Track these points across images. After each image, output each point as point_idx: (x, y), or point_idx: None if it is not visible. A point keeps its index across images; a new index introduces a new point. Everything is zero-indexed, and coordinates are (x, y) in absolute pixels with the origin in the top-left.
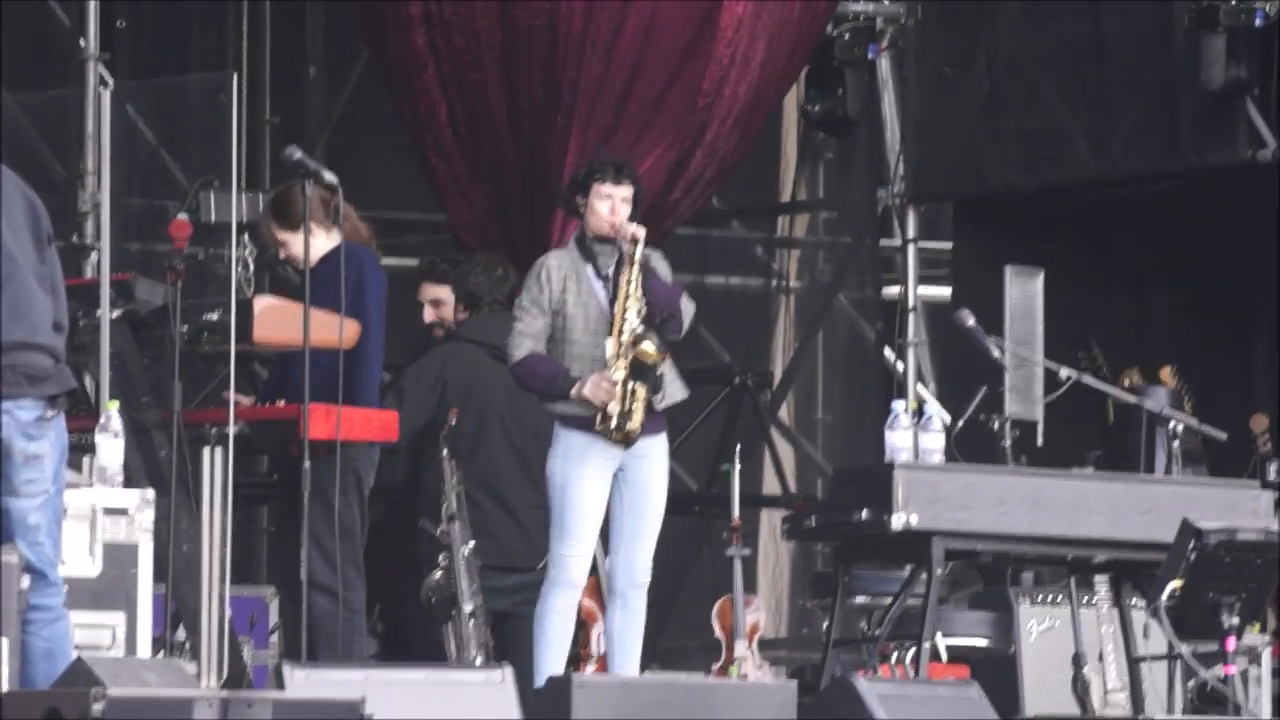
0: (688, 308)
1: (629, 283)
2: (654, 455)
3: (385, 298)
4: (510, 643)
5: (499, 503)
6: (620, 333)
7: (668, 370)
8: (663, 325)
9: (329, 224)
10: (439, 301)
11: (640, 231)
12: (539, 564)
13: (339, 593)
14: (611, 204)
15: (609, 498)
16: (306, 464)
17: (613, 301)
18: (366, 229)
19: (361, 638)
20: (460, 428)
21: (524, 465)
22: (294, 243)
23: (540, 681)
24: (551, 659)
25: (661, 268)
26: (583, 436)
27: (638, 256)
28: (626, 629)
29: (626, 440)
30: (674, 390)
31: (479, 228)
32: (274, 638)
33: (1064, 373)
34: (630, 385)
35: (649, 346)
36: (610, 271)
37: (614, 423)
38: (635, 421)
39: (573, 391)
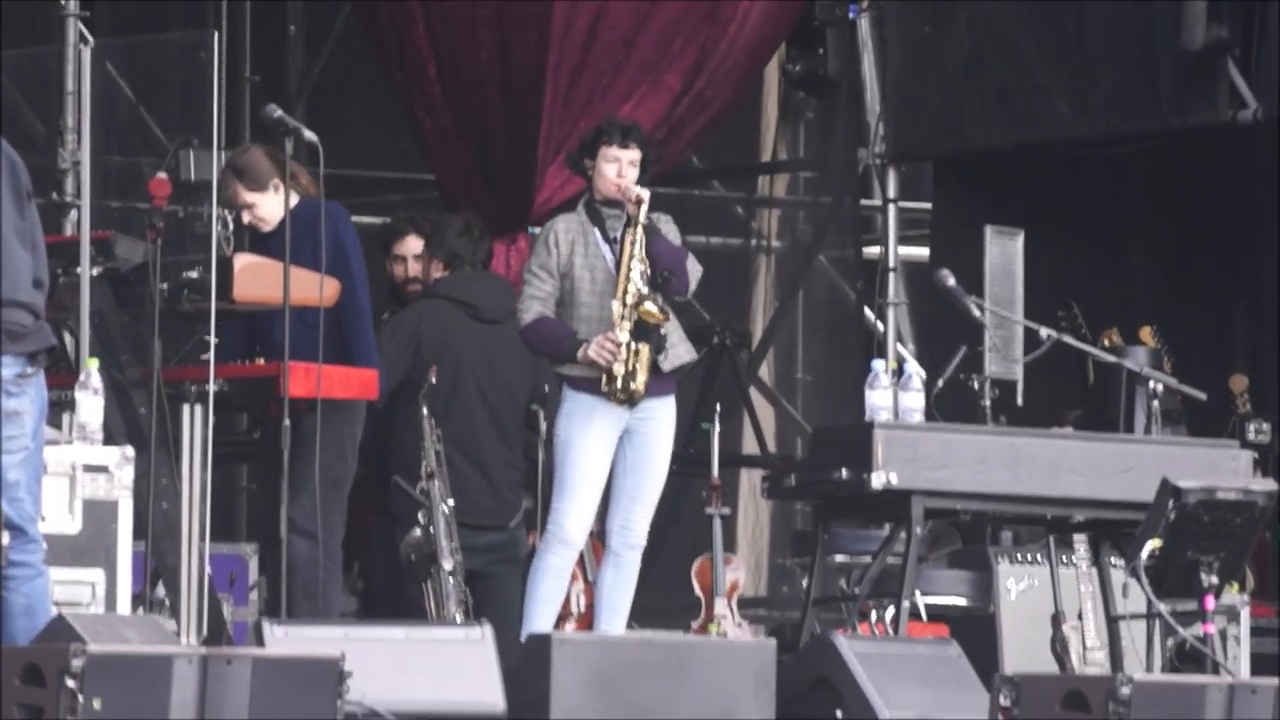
0: (694, 269)
1: (633, 244)
2: (660, 417)
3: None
4: (483, 602)
5: (472, 461)
6: (625, 294)
7: (673, 331)
8: (665, 286)
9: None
10: (418, 256)
11: (645, 194)
12: (510, 522)
13: (319, 539)
14: (619, 167)
15: (614, 457)
16: (286, 422)
17: (619, 264)
18: (308, 180)
19: (337, 586)
20: (436, 385)
21: (498, 424)
22: (262, 203)
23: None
24: (541, 615)
25: (669, 230)
26: (589, 398)
27: (642, 218)
28: (617, 588)
29: (630, 401)
30: (680, 351)
31: (464, 181)
32: (254, 595)
33: (1044, 332)
34: (634, 346)
35: (652, 307)
36: (618, 234)
37: (618, 384)
38: (639, 382)
39: (579, 353)
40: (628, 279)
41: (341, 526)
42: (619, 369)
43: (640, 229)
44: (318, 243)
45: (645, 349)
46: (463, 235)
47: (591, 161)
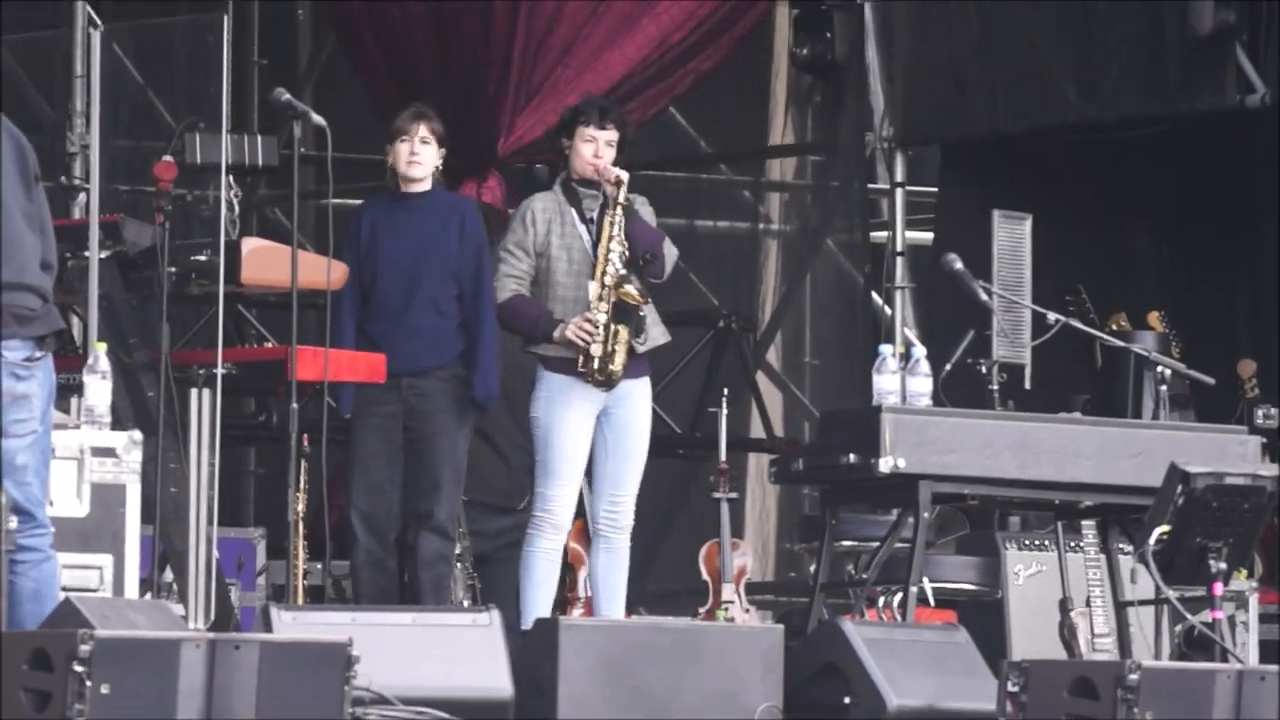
0: (670, 252)
1: (611, 225)
2: (637, 398)
3: None
4: (490, 585)
5: (486, 440)
6: (603, 275)
7: (649, 313)
8: (645, 268)
9: None
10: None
11: (623, 175)
12: (520, 504)
13: (453, 536)
14: (595, 147)
15: (592, 441)
16: (294, 405)
17: (596, 244)
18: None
19: (456, 583)
20: None
21: (510, 406)
22: (428, 153)
23: (528, 624)
24: (539, 601)
25: (645, 212)
26: (565, 379)
27: (620, 199)
28: (611, 572)
29: (609, 382)
30: (655, 334)
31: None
32: (261, 579)
33: (1051, 317)
34: (613, 328)
35: (631, 289)
36: (595, 215)
37: (596, 364)
38: (617, 364)
39: (555, 333)
40: (607, 260)
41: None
42: (597, 350)
43: (620, 210)
44: (461, 229)
45: (624, 330)
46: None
47: (569, 141)
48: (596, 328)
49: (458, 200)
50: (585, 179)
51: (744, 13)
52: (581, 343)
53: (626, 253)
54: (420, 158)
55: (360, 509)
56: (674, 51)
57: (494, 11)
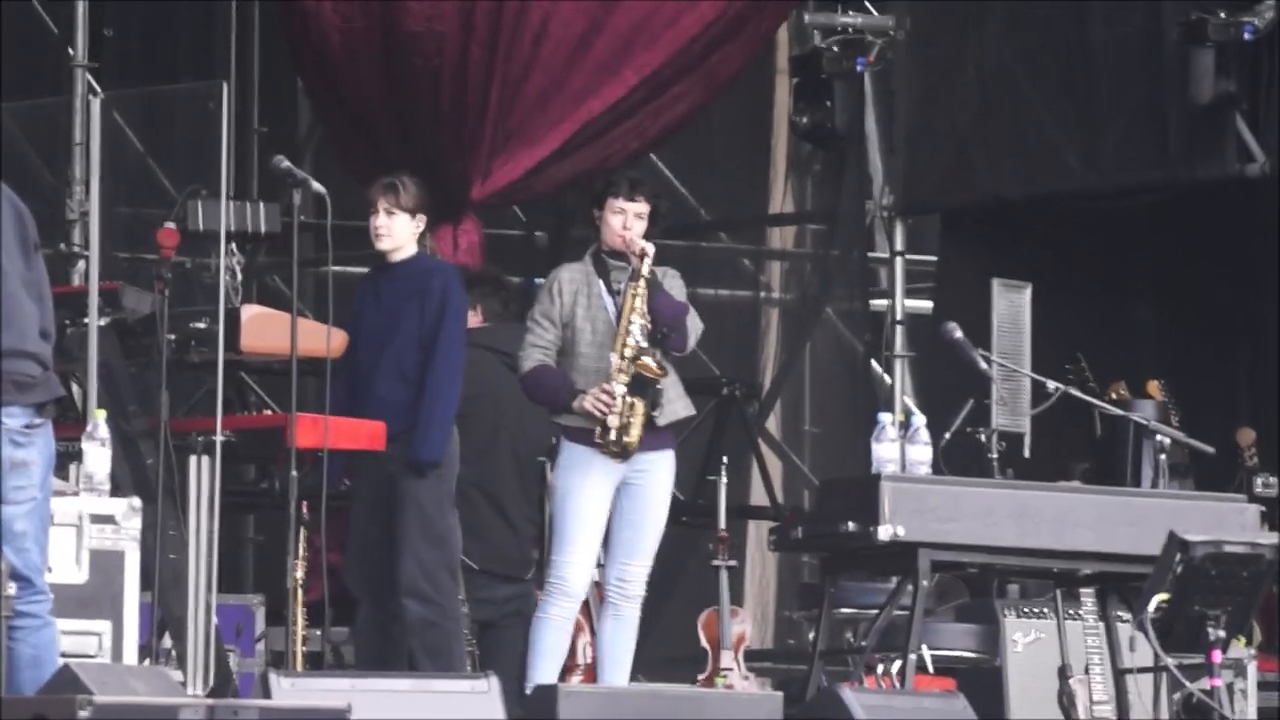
0: (694, 325)
1: (634, 297)
2: (658, 470)
3: None
4: (493, 652)
5: (496, 508)
6: (623, 347)
7: (671, 387)
8: (665, 341)
9: None
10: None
11: (649, 248)
12: (528, 574)
13: (433, 599)
14: (625, 219)
15: (611, 508)
16: (293, 473)
17: (619, 316)
18: (433, 244)
19: (459, 643)
20: (470, 430)
21: (522, 477)
22: (398, 224)
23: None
24: (545, 668)
25: (674, 285)
26: (585, 449)
27: (645, 271)
28: (618, 641)
29: (624, 454)
30: (678, 407)
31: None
32: (260, 645)
33: (1051, 385)
34: (630, 400)
35: (649, 361)
36: (621, 286)
37: (612, 436)
38: (633, 435)
39: (575, 404)
40: (627, 332)
41: (453, 582)
42: (613, 421)
43: (643, 282)
44: (425, 297)
45: (640, 403)
46: (502, 289)
47: (599, 212)
48: (614, 399)
49: (434, 266)
50: (615, 250)
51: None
52: (599, 414)
53: (649, 325)
54: (384, 230)
55: (356, 574)
56: (650, 91)
57: (469, 60)
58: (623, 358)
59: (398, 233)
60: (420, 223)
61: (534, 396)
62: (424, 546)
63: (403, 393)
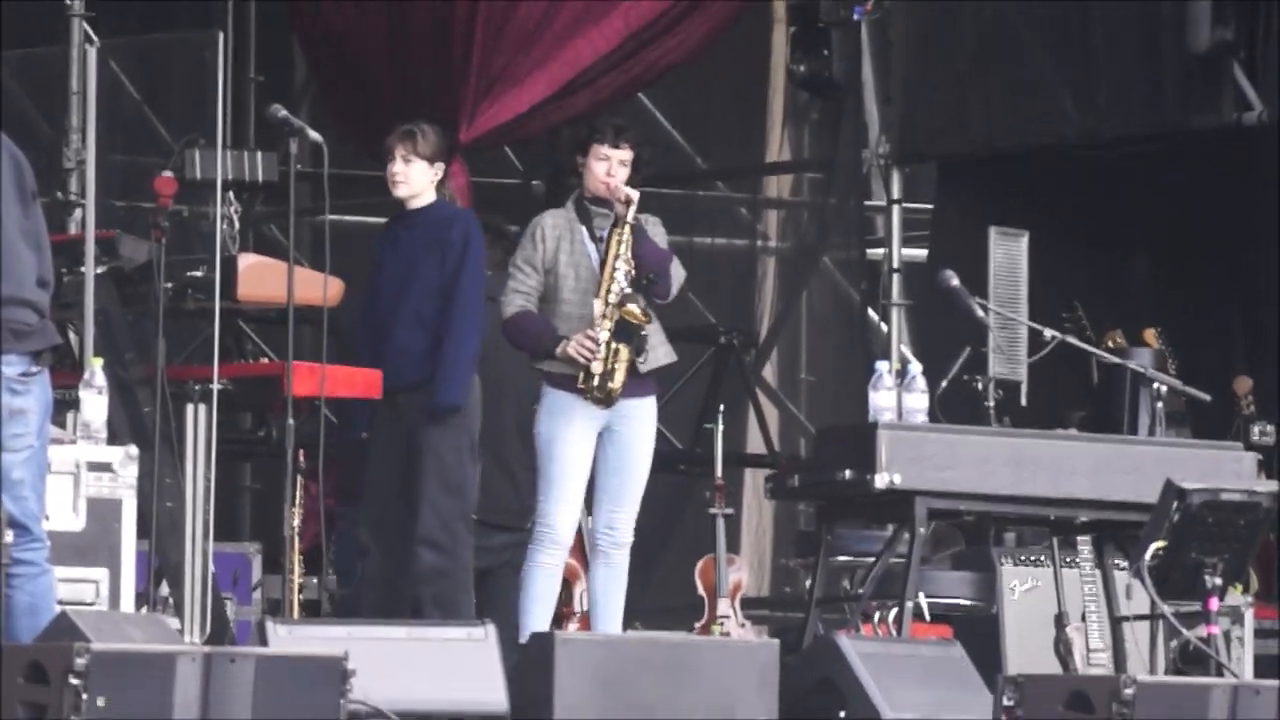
0: (677, 273)
1: (618, 243)
2: (640, 417)
3: None
4: (490, 599)
5: (496, 459)
6: (607, 293)
7: (654, 334)
8: (649, 288)
9: None
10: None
11: (633, 194)
12: (527, 524)
13: (447, 548)
14: (609, 165)
15: (594, 457)
16: (290, 421)
17: (603, 263)
18: (452, 190)
19: (468, 594)
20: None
21: (522, 428)
22: (415, 171)
23: (525, 638)
24: (537, 615)
25: (657, 233)
26: (568, 395)
27: (629, 218)
28: (609, 588)
29: (607, 400)
30: (660, 354)
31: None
32: (257, 594)
33: (1048, 333)
34: (614, 346)
35: (634, 308)
36: (605, 233)
37: (595, 382)
38: (616, 382)
39: (557, 350)
40: (611, 278)
41: (469, 534)
42: (597, 367)
43: (627, 229)
44: (445, 245)
45: (625, 349)
46: (500, 240)
47: (583, 159)
48: (597, 345)
49: (454, 214)
50: (598, 197)
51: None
52: (581, 360)
53: (633, 272)
54: (400, 176)
55: (369, 525)
56: (641, 42)
57: (453, 8)
58: (606, 304)
59: (414, 180)
60: (438, 170)
61: (516, 342)
62: (441, 496)
63: (422, 341)
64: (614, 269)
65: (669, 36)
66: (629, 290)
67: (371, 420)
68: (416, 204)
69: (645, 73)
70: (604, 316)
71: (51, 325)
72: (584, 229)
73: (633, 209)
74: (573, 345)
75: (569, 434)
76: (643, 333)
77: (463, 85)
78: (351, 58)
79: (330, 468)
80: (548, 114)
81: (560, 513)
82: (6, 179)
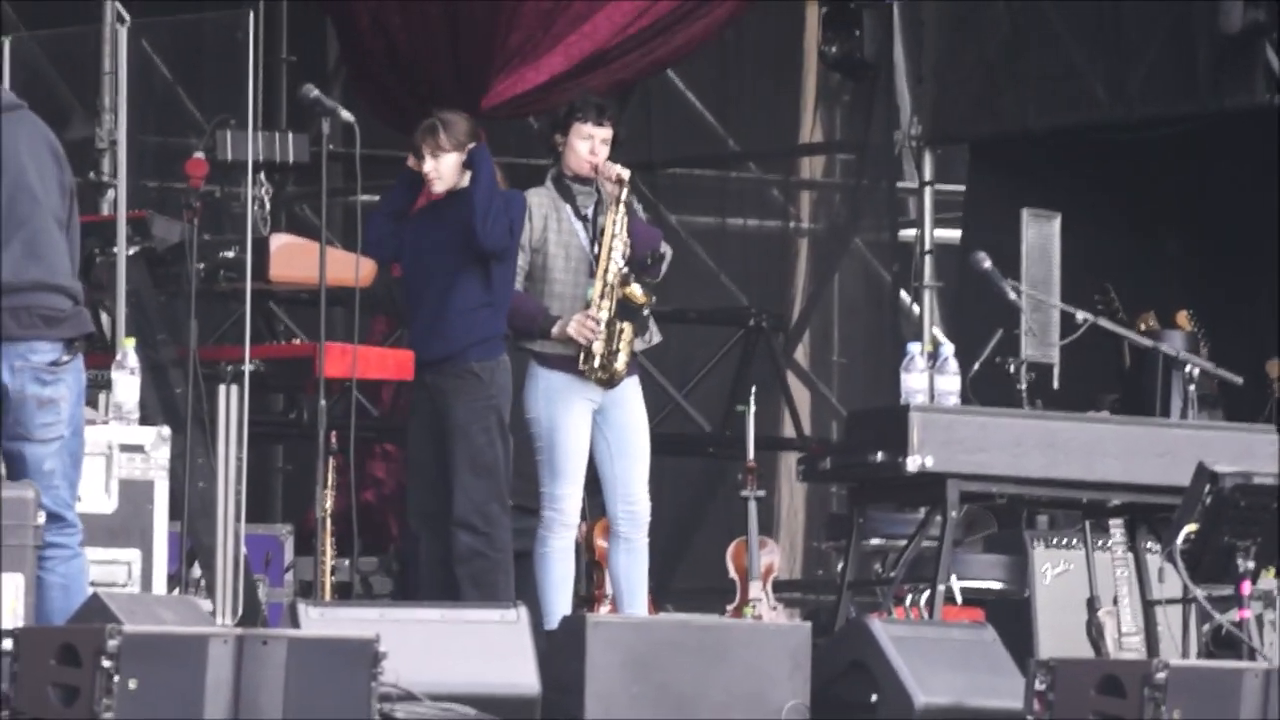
0: (667, 252)
1: (614, 223)
2: (631, 397)
3: None
4: (527, 582)
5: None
6: (605, 273)
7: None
8: (652, 267)
9: None
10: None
11: (625, 173)
12: None
13: (480, 529)
14: (591, 144)
15: (593, 445)
16: (322, 403)
17: (594, 242)
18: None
19: (506, 575)
20: None
21: None
22: (446, 161)
23: (551, 623)
24: (559, 600)
25: (637, 210)
26: (563, 376)
27: (622, 198)
28: (632, 570)
29: (610, 381)
30: (653, 334)
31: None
32: (288, 575)
33: (1080, 316)
34: (617, 325)
35: (638, 288)
36: (589, 211)
37: (598, 362)
38: (620, 362)
39: (554, 330)
40: (609, 258)
41: (505, 514)
42: (599, 347)
43: (621, 208)
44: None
45: (628, 328)
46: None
47: (563, 137)
48: (599, 325)
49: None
50: (579, 175)
51: None
52: (584, 340)
53: (628, 251)
54: (433, 174)
55: (415, 510)
56: (661, 21)
57: None
58: (605, 284)
59: (447, 174)
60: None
61: (509, 322)
62: (471, 478)
63: (450, 317)
64: (611, 249)
65: (688, 18)
66: (627, 270)
67: (411, 405)
68: (458, 187)
69: (668, 54)
70: (603, 296)
71: (85, 312)
72: (568, 207)
73: (624, 188)
74: (574, 325)
75: (570, 419)
76: (644, 312)
77: (485, 61)
78: (378, 38)
79: (362, 449)
80: (567, 91)
81: (569, 495)
82: (48, 167)
